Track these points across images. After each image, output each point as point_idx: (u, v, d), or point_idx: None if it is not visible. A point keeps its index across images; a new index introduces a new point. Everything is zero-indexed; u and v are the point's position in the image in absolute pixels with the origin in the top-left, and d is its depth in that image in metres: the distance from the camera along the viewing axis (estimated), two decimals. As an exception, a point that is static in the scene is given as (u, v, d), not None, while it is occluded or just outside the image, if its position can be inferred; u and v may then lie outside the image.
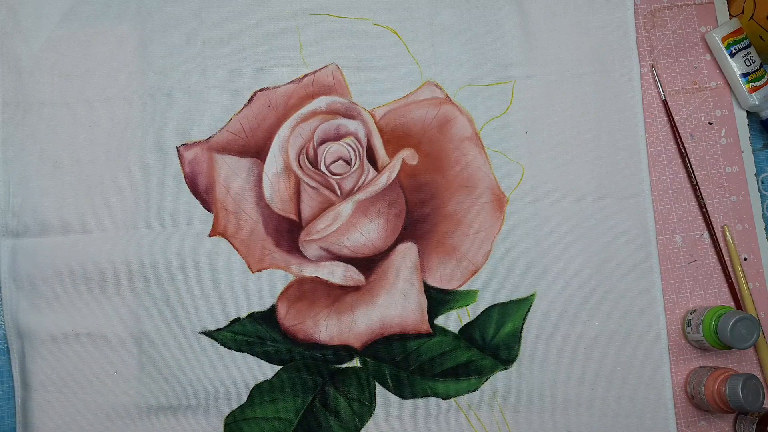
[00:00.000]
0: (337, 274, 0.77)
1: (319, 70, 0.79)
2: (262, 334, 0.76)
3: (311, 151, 0.78)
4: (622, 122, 0.80)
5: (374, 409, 0.76)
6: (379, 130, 0.79)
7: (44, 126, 0.77)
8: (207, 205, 0.77)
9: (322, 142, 0.78)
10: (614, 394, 0.77)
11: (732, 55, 0.81)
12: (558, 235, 0.78)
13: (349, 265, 0.77)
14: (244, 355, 0.75)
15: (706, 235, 0.81)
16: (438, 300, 0.77)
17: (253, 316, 0.76)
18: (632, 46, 0.81)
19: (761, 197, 0.82)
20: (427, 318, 0.77)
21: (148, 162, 0.77)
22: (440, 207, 0.78)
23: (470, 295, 0.77)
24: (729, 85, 0.83)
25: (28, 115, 0.77)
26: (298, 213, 0.77)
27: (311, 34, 0.79)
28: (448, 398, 0.76)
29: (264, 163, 0.77)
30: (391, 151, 0.78)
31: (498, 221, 0.78)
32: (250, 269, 0.76)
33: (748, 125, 0.83)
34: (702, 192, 0.81)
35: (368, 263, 0.77)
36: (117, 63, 0.78)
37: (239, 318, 0.76)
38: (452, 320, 0.77)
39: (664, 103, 0.82)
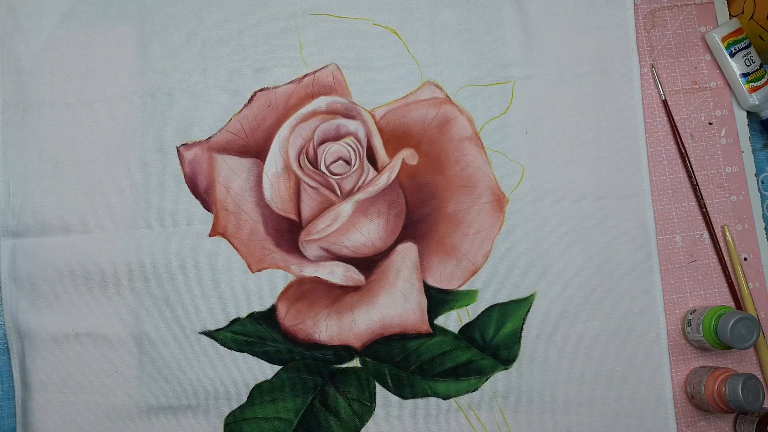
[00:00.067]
0: (337, 274, 0.77)
1: (319, 70, 0.79)
2: (262, 334, 0.76)
3: (311, 151, 0.78)
4: (622, 122, 0.80)
5: (374, 409, 0.76)
6: (379, 130, 0.79)
7: (44, 126, 0.77)
8: (207, 205, 0.77)
9: (322, 142, 0.78)
10: (614, 394, 0.77)
11: (732, 55, 0.81)
12: (558, 235, 0.78)
13: (349, 265, 0.77)
14: (244, 355, 0.75)
15: (706, 235, 0.81)
16: (438, 300, 0.77)
17: (253, 316, 0.76)
18: (632, 46, 0.81)
19: (761, 197, 0.82)
20: (427, 318, 0.77)
21: (148, 162, 0.77)
22: (440, 207, 0.78)
23: (470, 295, 0.77)
24: (729, 85, 0.83)
25: (28, 115, 0.77)
26: (298, 213, 0.77)
27: (311, 34, 0.79)
28: (448, 398, 0.76)
29: (264, 163, 0.77)
30: (391, 151, 0.78)
31: (498, 221, 0.78)
32: (250, 269, 0.76)
33: (748, 125, 0.83)
34: (702, 192, 0.81)
35: (368, 263, 0.77)
36: (117, 63, 0.78)
37: (239, 318, 0.76)
38: (452, 320, 0.77)
39: (664, 103, 0.82)
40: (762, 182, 0.84)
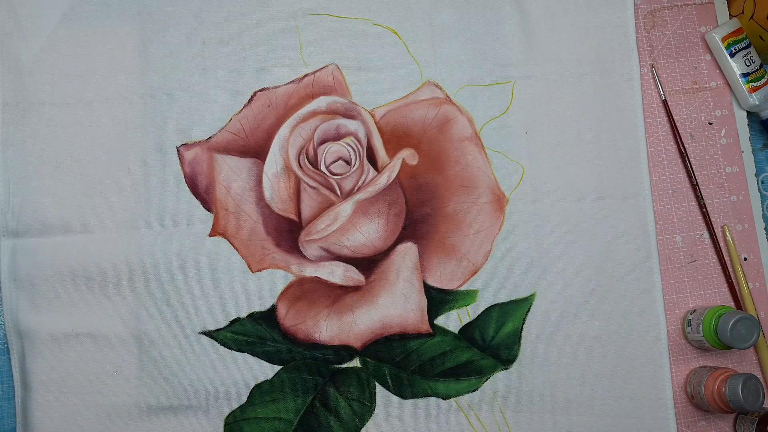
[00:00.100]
0: (337, 274, 0.77)
1: (319, 70, 0.79)
2: (262, 334, 0.76)
3: (311, 151, 0.78)
4: (622, 122, 0.80)
5: (374, 409, 0.76)
6: (379, 130, 0.79)
7: (44, 126, 0.77)
8: (207, 205, 0.77)
9: (322, 142, 0.78)
10: (614, 394, 0.77)
11: (732, 55, 0.81)
12: (558, 235, 0.78)
13: (349, 265, 0.77)
14: (244, 355, 0.75)
15: (706, 235, 0.81)
16: (438, 300, 0.77)
17: (253, 316, 0.76)
18: (632, 46, 0.81)
19: (761, 197, 0.82)
20: (427, 318, 0.77)
21: (148, 162, 0.77)
22: (440, 207, 0.78)
23: (470, 295, 0.77)
24: (729, 85, 0.83)
25: (28, 115, 0.77)
26: (298, 213, 0.77)
27: (311, 34, 0.79)
28: (448, 398, 0.76)
29: (264, 163, 0.77)
30: (391, 151, 0.78)
31: (498, 221, 0.78)
32: (250, 269, 0.76)
33: (748, 125, 0.83)
34: (702, 192, 0.81)
35: (368, 263, 0.77)
36: (117, 63, 0.78)
37: (239, 318, 0.76)
38: (452, 320, 0.77)
39: (664, 103, 0.82)
40: (762, 182, 0.84)
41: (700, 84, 0.83)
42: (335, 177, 0.77)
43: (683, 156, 0.82)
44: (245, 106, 0.78)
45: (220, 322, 0.76)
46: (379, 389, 0.76)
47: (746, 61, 0.82)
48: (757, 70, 0.82)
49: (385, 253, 0.77)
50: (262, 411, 0.75)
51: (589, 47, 0.81)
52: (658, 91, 0.83)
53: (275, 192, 0.77)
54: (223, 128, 0.78)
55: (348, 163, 0.78)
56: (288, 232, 0.77)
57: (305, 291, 0.76)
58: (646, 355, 0.77)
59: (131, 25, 0.78)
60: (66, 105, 0.77)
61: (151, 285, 0.75)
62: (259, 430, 0.75)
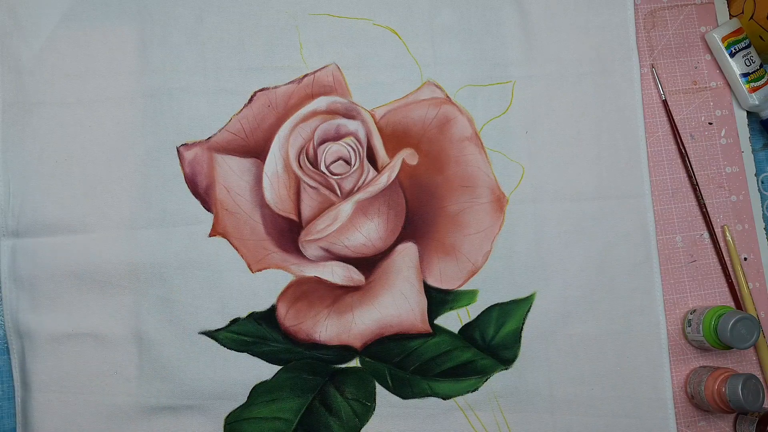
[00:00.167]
0: (337, 274, 0.77)
1: (319, 70, 0.79)
2: (262, 334, 0.76)
3: (311, 151, 0.78)
4: (622, 122, 0.80)
5: (374, 409, 0.76)
6: (379, 130, 0.79)
7: (44, 126, 0.77)
8: (207, 205, 0.77)
9: (322, 142, 0.78)
10: (614, 394, 0.77)
11: (732, 55, 0.81)
12: (558, 235, 0.78)
13: (349, 265, 0.77)
14: (244, 355, 0.75)
15: (706, 235, 0.81)
16: (438, 300, 0.77)
17: (253, 316, 0.76)
18: (632, 46, 0.81)
19: (761, 197, 0.82)
20: (427, 318, 0.77)
21: (148, 162, 0.77)
22: (440, 207, 0.78)
23: (470, 295, 0.77)
24: (729, 85, 0.83)
25: (28, 115, 0.77)
26: (298, 213, 0.77)
27: (311, 34, 0.79)
28: (448, 398, 0.76)
29: (264, 163, 0.77)
30: (391, 151, 0.78)
31: (498, 221, 0.78)
32: (250, 269, 0.76)
33: (748, 125, 0.83)
34: (702, 192, 0.81)
35: (368, 263, 0.77)
36: (117, 63, 0.78)
37: (239, 318, 0.76)
38: (452, 320, 0.77)
39: (664, 103, 0.82)
40: (762, 182, 0.84)
41: (700, 84, 0.83)
42: (335, 177, 0.77)
43: (683, 156, 0.82)
44: (245, 106, 0.78)
45: (220, 322, 0.76)
46: (379, 389, 0.76)
47: (746, 61, 0.82)
48: (757, 70, 0.82)
49: (385, 253, 0.77)
50: (262, 411, 0.75)
51: (589, 47, 0.81)
52: (658, 91, 0.83)
53: (275, 192, 0.77)
54: (223, 128, 0.78)
55: (348, 163, 0.78)
56: (288, 232, 0.77)
57: (305, 291, 0.76)
58: (646, 355, 0.77)
59: (131, 25, 0.78)
60: (66, 105, 0.77)
61: (151, 285, 0.75)
62: (259, 430, 0.75)
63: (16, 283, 0.75)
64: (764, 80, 0.82)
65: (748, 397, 0.71)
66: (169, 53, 0.78)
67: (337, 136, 0.78)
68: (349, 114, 0.79)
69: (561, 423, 0.76)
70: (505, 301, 0.77)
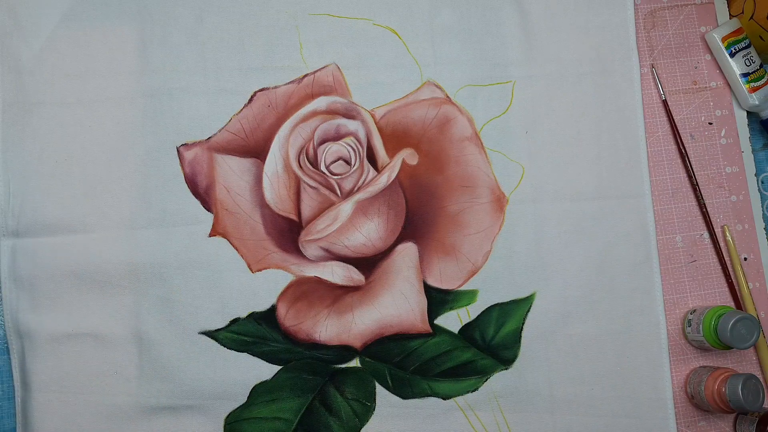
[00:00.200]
0: (337, 274, 0.77)
1: (319, 70, 0.79)
2: (262, 334, 0.76)
3: (311, 151, 0.78)
4: (622, 122, 0.80)
5: (374, 409, 0.76)
6: (379, 130, 0.79)
7: (44, 126, 0.77)
8: (207, 205, 0.77)
9: (322, 142, 0.78)
10: (614, 394, 0.77)
11: (732, 55, 0.81)
12: (558, 235, 0.78)
13: (349, 265, 0.77)
14: (244, 355, 0.75)
15: (706, 235, 0.81)
16: (438, 300, 0.77)
17: (253, 316, 0.76)
18: (632, 46, 0.81)
19: (761, 197, 0.82)
20: (427, 318, 0.77)
21: (148, 162, 0.77)
22: (440, 207, 0.78)
23: (470, 295, 0.77)
24: (729, 85, 0.83)
25: (28, 115, 0.77)
26: (298, 213, 0.77)
27: (311, 34, 0.79)
28: (448, 398, 0.76)
29: (264, 163, 0.77)
30: (391, 151, 0.78)
31: (498, 221, 0.78)
32: (250, 269, 0.76)
33: (748, 125, 0.83)
34: (702, 192, 0.81)
35: (368, 263, 0.77)
36: (117, 63, 0.78)
37: (239, 318, 0.76)
38: (452, 320, 0.77)
39: (664, 103, 0.82)
40: (762, 182, 0.84)
41: (700, 84, 0.83)
42: (335, 177, 0.77)
43: (683, 156, 0.82)
44: (245, 106, 0.78)
45: (220, 322, 0.76)
46: (379, 389, 0.76)
47: (746, 61, 0.82)
48: (757, 70, 0.82)
49: (385, 253, 0.77)
50: (262, 411, 0.75)
51: (589, 47, 0.81)
52: (658, 91, 0.83)
53: (275, 192, 0.77)
54: (223, 128, 0.78)
55: (348, 163, 0.78)
56: (288, 232, 0.77)
57: (305, 291, 0.76)
58: (646, 355, 0.77)
59: (131, 25, 0.78)
60: (66, 105, 0.77)
61: (151, 285, 0.75)
62: (259, 430, 0.75)
63: (16, 283, 0.75)
64: (764, 80, 0.82)
65: (748, 397, 0.71)
66: (169, 53, 0.78)
67: (337, 136, 0.78)
68: (349, 114, 0.79)
69: (561, 423, 0.76)
70: (505, 301, 0.77)
